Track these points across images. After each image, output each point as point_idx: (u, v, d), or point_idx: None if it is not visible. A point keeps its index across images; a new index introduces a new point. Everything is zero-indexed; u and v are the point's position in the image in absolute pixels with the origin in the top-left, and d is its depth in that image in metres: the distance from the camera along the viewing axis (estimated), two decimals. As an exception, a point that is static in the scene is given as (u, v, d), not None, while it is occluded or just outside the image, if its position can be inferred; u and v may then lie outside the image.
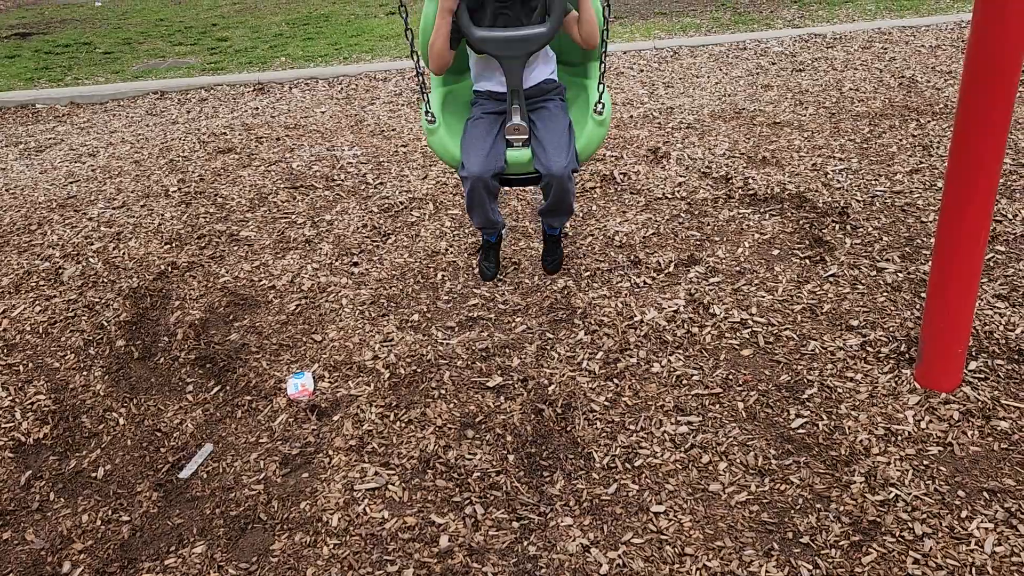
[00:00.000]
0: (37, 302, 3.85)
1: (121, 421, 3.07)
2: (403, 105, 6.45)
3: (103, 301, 3.82)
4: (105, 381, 3.29)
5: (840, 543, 2.32)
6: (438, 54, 2.77)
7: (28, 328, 3.65)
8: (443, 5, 2.65)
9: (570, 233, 4.08)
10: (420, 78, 2.74)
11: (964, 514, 2.38)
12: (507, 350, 3.27)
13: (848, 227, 3.94)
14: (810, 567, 2.28)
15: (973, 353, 3.00)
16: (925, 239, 3.78)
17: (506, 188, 3.60)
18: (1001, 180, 4.13)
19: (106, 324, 3.64)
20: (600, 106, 2.75)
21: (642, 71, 6.91)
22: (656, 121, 5.59)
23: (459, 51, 2.85)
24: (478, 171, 2.70)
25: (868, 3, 8.97)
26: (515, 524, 2.48)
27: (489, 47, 2.63)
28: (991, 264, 3.53)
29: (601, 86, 2.74)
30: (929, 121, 5.17)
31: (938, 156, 4.64)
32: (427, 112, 2.81)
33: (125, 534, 2.58)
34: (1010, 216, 3.90)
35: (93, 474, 2.83)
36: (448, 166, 3.09)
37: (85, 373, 3.34)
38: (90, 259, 4.20)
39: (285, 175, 5.10)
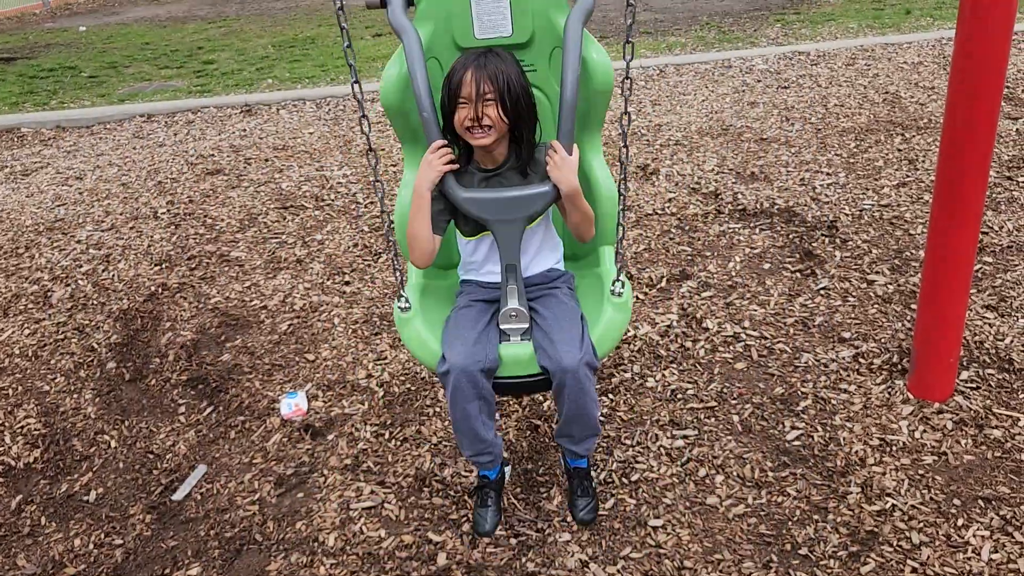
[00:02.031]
0: (26, 325, 3.82)
1: (113, 444, 3.04)
2: (391, 126, 6.46)
3: (93, 323, 3.79)
4: (96, 404, 3.26)
5: (838, 554, 2.32)
6: (419, 241, 2.18)
7: (17, 351, 3.62)
8: (422, 179, 2.14)
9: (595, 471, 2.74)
10: (395, 261, 2.22)
11: (960, 522, 2.39)
12: (501, 367, 3.26)
13: (837, 240, 3.98)
14: (809, 579, 2.28)
15: (964, 363, 3.02)
16: (914, 251, 3.82)
17: (502, 406, 3.06)
18: (987, 192, 4.18)
19: (96, 346, 3.62)
20: (620, 285, 2.21)
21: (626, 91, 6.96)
22: (645, 138, 5.64)
23: (445, 242, 2.35)
24: (462, 363, 2.09)
25: (850, 21, 9.10)
26: (513, 541, 2.47)
27: (480, 210, 2.13)
28: (979, 275, 3.57)
29: (619, 263, 2.23)
30: (914, 136, 5.24)
31: (924, 170, 4.69)
32: (401, 296, 2.25)
33: (118, 558, 2.54)
34: (996, 228, 3.95)
35: (85, 497, 2.80)
36: (424, 366, 2.38)
37: (76, 396, 3.31)
38: (79, 281, 4.18)
39: (275, 195, 5.10)
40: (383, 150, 5.83)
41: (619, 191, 2.16)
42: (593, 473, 2.65)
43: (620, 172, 2.12)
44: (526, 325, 2.18)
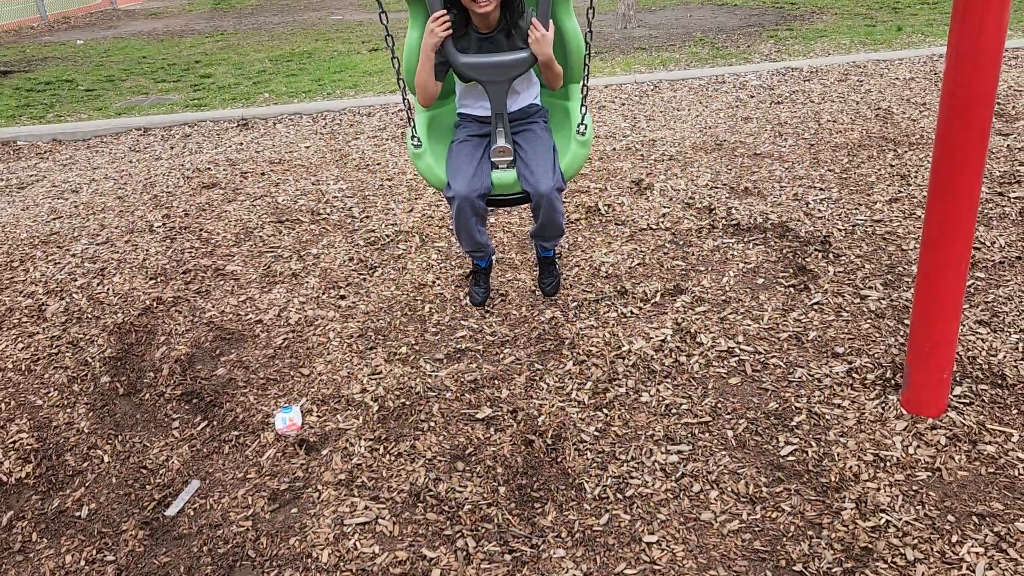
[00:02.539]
0: (20, 339, 3.81)
1: (106, 459, 3.03)
2: (387, 139, 6.49)
3: (87, 337, 3.79)
4: (89, 418, 3.25)
5: (833, 570, 2.32)
6: (424, 87, 2.87)
7: (10, 365, 3.61)
8: (427, 41, 2.75)
9: (556, 264, 4.10)
10: (405, 103, 2.85)
11: (955, 539, 2.39)
12: (496, 381, 3.27)
13: (831, 255, 3.99)
14: (804, 595, 2.27)
15: (957, 378, 3.03)
16: (906, 267, 3.83)
17: (494, 211, 3.78)
18: (979, 208, 4.21)
19: (90, 360, 3.61)
20: (583, 127, 2.88)
21: (623, 104, 7.01)
22: (639, 153, 5.66)
23: (445, 78, 2.95)
24: (464, 191, 2.80)
25: (843, 38, 9.17)
26: (507, 557, 2.46)
27: (474, 73, 2.77)
28: (972, 291, 3.58)
29: (583, 108, 2.88)
30: (906, 151, 5.27)
31: (916, 185, 4.71)
32: (413, 136, 2.90)
33: (110, 574, 2.53)
34: (988, 243, 3.97)
35: (77, 513, 2.78)
36: (434, 188, 3.23)
37: (69, 410, 3.30)
38: (74, 295, 4.17)
39: (270, 209, 5.10)
40: (378, 164, 5.85)
41: (585, 41, 2.76)
42: (557, 261, 3.74)
43: (587, 23, 2.71)
44: (511, 158, 2.85)
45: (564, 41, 2.98)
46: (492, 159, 2.86)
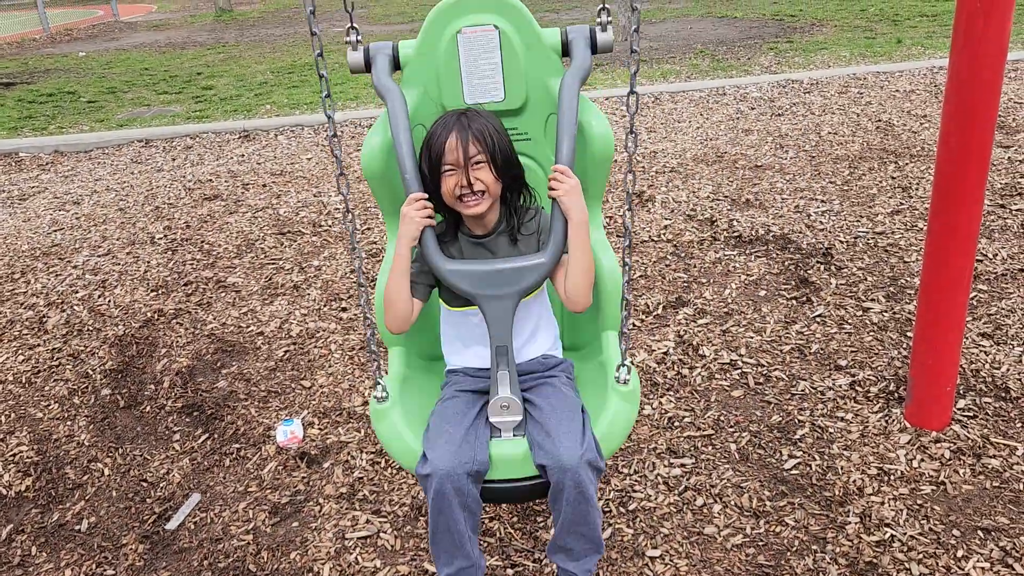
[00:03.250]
0: (20, 351, 3.80)
1: (106, 472, 3.01)
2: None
3: (88, 349, 3.78)
4: (90, 431, 3.24)
5: (838, 585, 2.31)
6: (393, 303, 1.97)
7: (11, 378, 3.60)
8: (401, 233, 1.94)
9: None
10: (370, 340, 1.96)
11: (960, 553, 2.37)
12: (498, 394, 3.25)
13: (833, 268, 3.99)
14: (808, 610, 2.26)
15: (961, 391, 3.02)
16: (909, 279, 3.83)
17: (488, 510, 2.66)
18: (981, 220, 4.21)
19: (91, 373, 3.60)
20: (625, 371, 1.96)
21: (624, 116, 7.02)
22: (640, 165, 5.67)
23: (429, 320, 2.19)
24: (447, 466, 1.80)
25: (843, 50, 9.20)
26: (509, 572, 2.45)
27: (466, 284, 1.92)
28: (975, 303, 3.58)
29: (623, 345, 1.95)
30: (907, 163, 5.27)
31: (918, 197, 4.72)
32: (378, 384, 1.98)
33: (110, 588, 2.52)
34: (991, 255, 3.96)
35: (77, 527, 2.77)
36: (402, 465, 2.01)
37: (69, 423, 3.29)
38: (75, 307, 4.17)
39: (272, 221, 5.11)
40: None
41: (623, 263, 1.88)
42: None
43: (624, 239, 1.87)
44: (519, 417, 1.90)
45: (601, 278, 2.10)
46: (491, 418, 1.92)
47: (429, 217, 1.95)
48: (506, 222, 2.05)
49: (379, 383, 1.97)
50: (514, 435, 1.91)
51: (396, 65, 2.21)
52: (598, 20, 2.17)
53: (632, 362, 1.99)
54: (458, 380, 2.10)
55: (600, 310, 2.18)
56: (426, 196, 1.95)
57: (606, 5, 2.12)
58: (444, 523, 1.86)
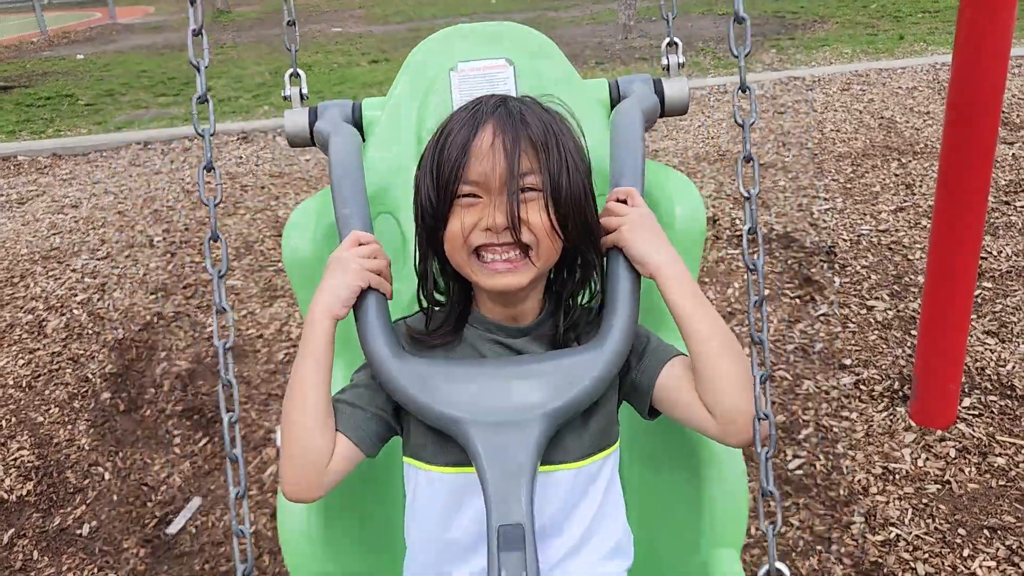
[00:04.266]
0: (20, 355, 3.79)
1: (107, 476, 3.00)
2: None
3: (88, 353, 3.76)
4: (90, 435, 3.22)
5: (844, 586, 2.29)
6: (298, 430, 1.16)
7: (11, 382, 3.59)
8: (328, 285, 1.16)
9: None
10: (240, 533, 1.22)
11: (966, 552, 2.36)
12: (500, 395, 3.24)
13: (836, 266, 3.97)
14: (815, 612, 2.24)
15: (966, 390, 3.00)
16: (913, 276, 3.81)
17: None
18: (985, 218, 4.19)
19: (91, 376, 3.58)
20: None
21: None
22: (640, 164, 5.64)
23: (392, 513, 1.36)
24: None
25: (845, 47, 9.17)
26: None
27: (439, 402, 1.09)
28: (979, 301, 3.56)
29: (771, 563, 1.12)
30: (910, 160, 5.25)
31: (921, 195, 4.70)
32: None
33: (111, 593, 2.50)
34: (995, 253, 3.94)
35: (78, 531, 2.75)
36: None
37: (70, 427, 3.27)
38: (74, 311, 4.15)
39: (271, 223, 5.09)
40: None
41: (756, 397, 1.05)
42: None
43: (756, 362, 1.06)
44: None
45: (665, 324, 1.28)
46: None
47: (378, 272, 1.17)
48: (553, 319, 1.19)
49: None
50: None
51: (357, 129, 1.53)
52: (664, 62, 1.55)
53: None
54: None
55: (706, 506, 1.28)
56: (374, 240, 1.20)
57: (674, 38, 1.52)
58: None
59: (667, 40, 1.52)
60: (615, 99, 1.53)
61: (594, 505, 1.15)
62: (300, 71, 1.57)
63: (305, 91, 1.57)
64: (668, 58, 1.50)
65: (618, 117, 1.40)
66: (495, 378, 1.08)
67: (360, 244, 1.18)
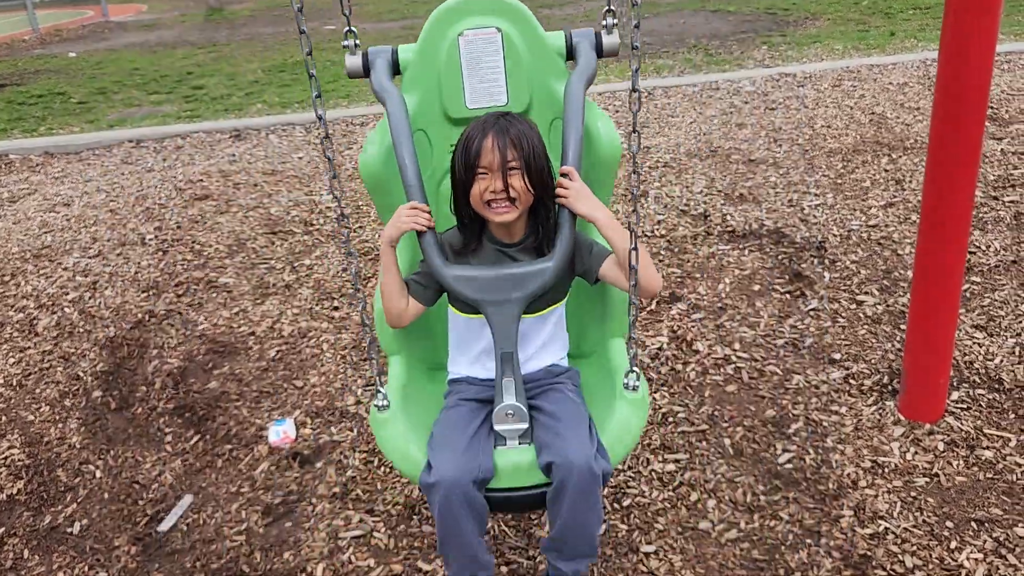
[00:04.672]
0: (11, 354, 3.78)
1: (98, 474, 3.00)
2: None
3: (79, 351, 3.76)
4: (81, 433, 3.22)
5: (832, 579, 2.30)
6: (387, 297, 2.00)
7: (1, 380, 3.58)
8: (387, 229, 1.93)
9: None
10: (372, 351, 2.00)
11: (954, 545, 2.37)
12: (491, 391, 3.24)
13: (826, 261, 3.98)
14: (803, 604, 2.25)
15: (955, 384, 3.02)
16: (902, 271, 3.82)
17: (494, 517, 2.59)
18: (973, 212, 4.20)
19: (82, 375, 3.58)
20: (634, 377, 1.94)
21: (618, 112, 7.01)
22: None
23: (428, 326, 2.20)
24: (453, 474, 1.79)
25: (836, 43, 9.19)
26: (504, 569, 2.44)
27: (468, 290, 1.89)
28: (968, 295, 3.57)
29: (632, 351, 1.94)
30: (900, 156, 5.27)
31: (911, 190, 4.71)
32: (379, 393, 1.97)
33: (102, 591, 2.50)
34: (984, 247, 3.96)
35: (69, 529, 2.75)
36: (403, 474, 1.99)
37: (60, 425, 3.27)
38: (65, 309, 4.15)
39: (263, 220, 5.09)
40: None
41: (630, 267, 1.84)
42: None
43: (630, 242, 1.82)
44: (525, 425, 1.86)
45: (604, 294, 2.17)
46: (496, 427, 1.89)
47: (424, 224, 1.90)
48: (533, 236, 2.01)
49: (379, 391, 1.96)
50: (519, 443, 1.88)
51: (396, 69, 2.17)
52: (603, 23, 2.13)
53: (640, 368, 1.98)
54: (461, 389, 2.09)
55: (606, 317, 2.20)
56: (427, 208, 1.93)
57: (611, 7, 2.07)
58: (452, 531, 1.86)
59: (606, 9, 2.08)
60: (569, 45, 2.17)
61: (549, 328, 2.11)
62: (353, 28, 2.10)
63: (358, 41, 2.13)
64: (607, 18, 2.10)
65: (568, 97, 1.99)
66: (496, 279, 1.90)
67: (414, 209, 1.91)
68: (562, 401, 1.97)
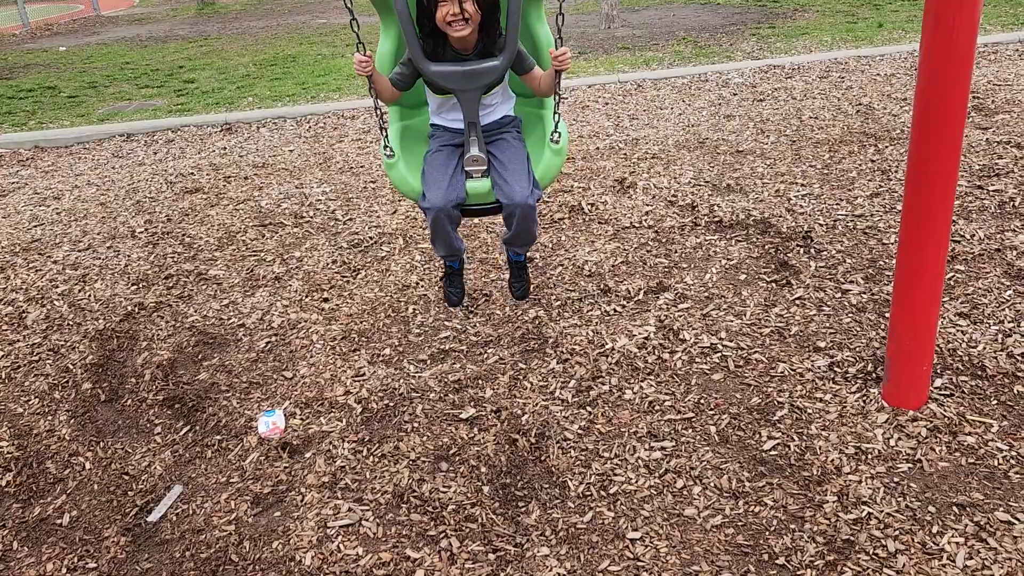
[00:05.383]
0: (0, 347, 3.78)
1: (87, 465, 3.01)
2: (371, 142, 6.48)
3: (68, 344, 3.76)
4: (71, 425, 3.23)
5: (815, 563, 2.33)
6: (381, 93, 2.90)
7: (-9, 374, 3.59)
8: (361, 70, 2.76)
9: (540, 264, 4.11)
10: (378, 113, 2.91)
11: (935, 529, 2.40)
12: (479, 381, 3.26)
13: (812, 251, 4.01)
14: (786, 588, 2.28)
15: (938, 370, 3.05)
16: (887, 260, 3.85)
17: (472, 220, 3.65)
18: (957, 202, 4.23)
19: (72, 367, 3.59)
20: (557, 135, 2.87)
21: (607, 104, 7.02)
22: (622, 152, 5.67)
23: (417, 85, 2.97)
24: (440, 202, 2.80)
25: (824, 35, 9.21)
26: (491, 556, 2.46)
27: (445, 81, 2.76)
28: (951, 283, 3.60)
29: (557, 115, 2.86)
30: (887, 146, 5.29)
31: (897, 180, 4.74)
32: (386, 147, 2.91)
33: (92, 581, 2.51)
34: (968, 236, 3.99)
35: (58, 521, 2.77)
36: (408, 199, 3.18)
37: (50, 417, 3.28)
38: (55, 302, 4.15)
39: (254, 213, 5.09)
40: (361, 167, 5.84)
41: (556, 47, 2.70)
42: (527, 265, 3.58)
43: (557, 30, 2.71)
44: (485, 167, 2.85)
45: (536, 49, 3.01)
46: (466, 168, 2.87)
47: (361, 71, 2.75)
48: (483, 44, 2.81)
49: (387, 144, 2.91)
50: (482, 176, 2.87)
51: None
52: None
53: (559, 119, 2.85)
54: (440, 135, 3.01)
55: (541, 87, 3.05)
56: (365, 58, 2.73)
57: None
58: (440, 232, 2.93)
59: None
60: None
61: (498, 96, 2.97)
62: None
63: None
64: None
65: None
66: (463, 73, 2.74)
67: (358, 61, 2.75)
68: (508, 149, 2.92)
